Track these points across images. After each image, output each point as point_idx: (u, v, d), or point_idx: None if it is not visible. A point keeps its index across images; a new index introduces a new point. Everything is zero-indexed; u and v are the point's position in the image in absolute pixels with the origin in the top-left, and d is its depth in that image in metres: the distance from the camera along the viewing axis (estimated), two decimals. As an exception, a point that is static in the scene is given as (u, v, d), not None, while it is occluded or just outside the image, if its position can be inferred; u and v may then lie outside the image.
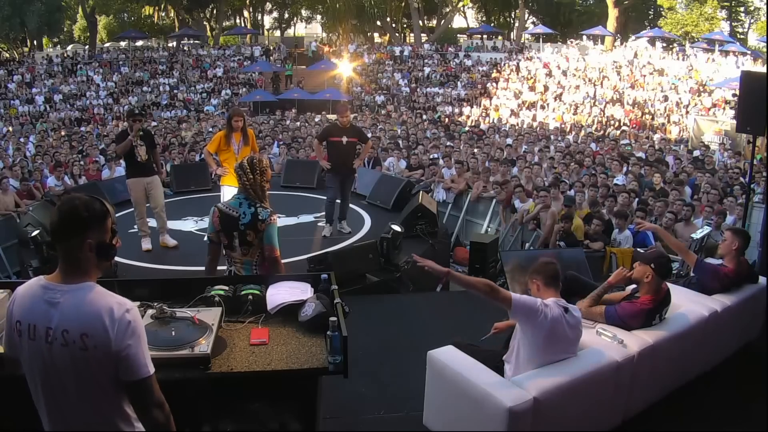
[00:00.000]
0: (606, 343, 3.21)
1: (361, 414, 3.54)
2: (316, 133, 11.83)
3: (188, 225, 7.49)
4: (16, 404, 2.01)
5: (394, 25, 35.99)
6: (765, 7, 25.69)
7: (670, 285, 3.65)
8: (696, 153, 12.63)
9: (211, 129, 15.56)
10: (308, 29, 42.48)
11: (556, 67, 23.57)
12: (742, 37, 32.63)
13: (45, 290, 1.71)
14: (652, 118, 18.34)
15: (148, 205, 6.32)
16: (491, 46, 28.65)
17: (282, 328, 2.73)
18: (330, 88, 23.82)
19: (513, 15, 37.64)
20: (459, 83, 24.67)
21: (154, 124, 17.41)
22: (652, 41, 25.20)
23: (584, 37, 28.14)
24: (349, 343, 2.43)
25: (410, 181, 8.83)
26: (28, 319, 1.71)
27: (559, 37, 31.03)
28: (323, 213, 7.23)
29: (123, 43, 31.08)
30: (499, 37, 31.49)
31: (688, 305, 3.74)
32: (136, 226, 6.47)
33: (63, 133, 17.07)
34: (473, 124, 19.26)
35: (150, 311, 2.55)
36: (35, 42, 31.11)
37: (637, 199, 7.73)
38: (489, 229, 8.73)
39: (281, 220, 4.09)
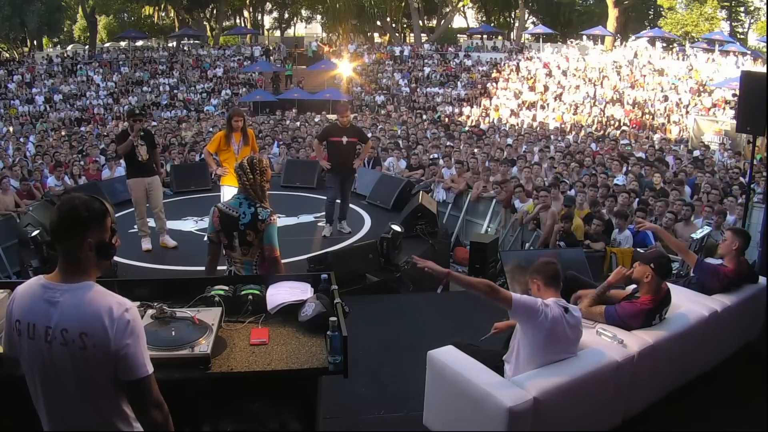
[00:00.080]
0: (606, 343, 3.21)
1: (361, 414, 3.54)
2: (316, 133, 11.83)
3: (188, 225, 7.49)
4: (16, 404, 2.01)
5: (394, 25, 35.99)
6: (765, 7, 25.70)
7: (670, 285, 3.65)
8: (696, 153, 12.63)
9: (211, 129, 15.56)
10: (308, 29, 42.49)
11: (556, 67, 23.57)
12: (742, 37, 32.63)
13: (45, 289, 1.72)
14: (652, 118, 18.34)
15: (148, 205, 6.32)
16: (491, 46, 28.65)
17: (282, 328, 2.73)
18: (330, 88, 23.83)
19: (513, 15, 37.64)
20: (459, 83, 24.67)
21: (154, 124, 17.41)
22: (652, 41, 25.20)
23: (584, 37, 28.13)
24: (349, 343, 2.43)
25: (410, 181, 8.83)
26: (27, 319, 1.71)
27: (559, 37, 31.03)
28: (323, 213, 7.23)
29: (123, 43, 31.08)
30: (499, 37, 31.48)
31: (688, 305, 3.74)
32: (136, 226, 6.46)
33: (63, 133, 17.07)
34: (473, 124, 19.26)
35: (150, 311, 2.55)
36: (35, 42, 31.10)
37: (637, 199, 7.73)
38: (489, 229, 8.73)
39: (281, 220, 4.08)
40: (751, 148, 6.43)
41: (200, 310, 2.66)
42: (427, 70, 26.27)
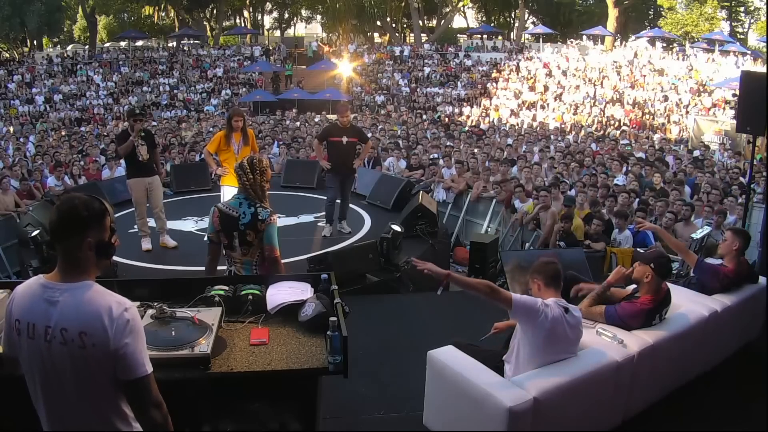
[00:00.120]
0: (606, 343, 3.21)
1: (361, 414, 3.54)
2: (316, 133, 11.83)
3: (188, 225, 7.49)
4: (16, 404, 2.01)
5: (394, 25, 35.98)
6: (765, 7, 25.70)
7: (670, 285, 3.65)
8: (696, 153, 12.63)
9: (211, 129, 15.56)
10: (308, 29, 42.49)
11: (556, 67, 23.57)
12: (742, 37, 32.63)
13: (44, 289, 1.72)
14: (652, 118, 18.34)
15: (148, 205, 6.32)
16: (491, 46, 28.64)
17: (282, 328, 2.72)
18: (330, 88, 23.82)
19: (513, 15, 37.64)
20: (459, 83, 24.67)
21: (154, 124, 17.41)
22: (652, 41, 25.19)
23: (584, 37, 28.12)
24: (349, 343, 2.43)
25: (410, 181, 8.83)
26: (27, 318, 1.71)
27: (559, 37, 31.02)
28: (323, 213, 7.23)
29: (123, 43, 31.07)
30: (499, 37, 31.48)
31: (688, 305, 3.74)
32: (136, 226, 6.46)
33: (63, 133, 17.06)
34: (473, 124, 19.26)
35: (150, 311, 2.55)
36: (35, 42, 31.10)
37: (637, 199, 7.73)
38: (489, 229, 8.73)
39: (281, 220, 4.08)
40: (751, 148, 6.42)
41: (200, 310, 2.66)
42: (427, 70, 26.26)
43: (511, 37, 33.41)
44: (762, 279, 4.25)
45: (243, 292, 2.88)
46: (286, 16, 40.26)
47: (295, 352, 2.52)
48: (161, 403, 1.74)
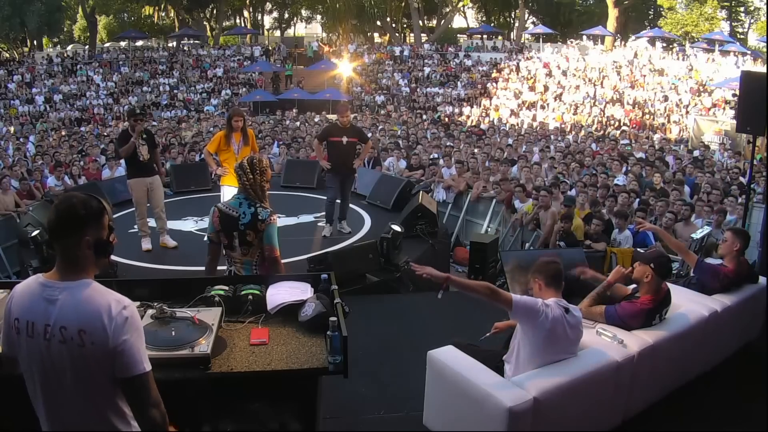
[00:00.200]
0: (606, 343, 3.21)
1: (361, 414, 3.54)
2: (316, 133, 11.82)
3: (188, 225, 7.48)
4: (15, 404, 2.01)
5: (394, 25, 35.99)
6: (765, 7, 25.69)
7: (670, 285, 3.65)
8: (696, 153, 12.63)
9: (211, 129, 15.56)
10: (308, 29, 42.49)
11: (556, 67, 23.57)
12: (742, 37, 32.63)
13: (43, 288, 1.72)
14: (652, 118, 18.34)
15: (148, 205, 6.32)
16: (491, 46, 28.65)
17: (282, 328, 2.72)
18: (330, 88, 23.82)
19: (513, 15, 37.64)
20: (459, 83, 24.67)
21: (154, 124, 17.41)
22: (652, 41, 25.19)
23: (584, 37, 28.11)
24: (349, 343, 2.43)
25: (410, 181, 8.83)
26: (26, 317, 1.71)
27: (559, 37, 31.02)
28: (323, 213, 7.23)
29: (123, 43, 31.06)
30: (499, 37, 31.48)
31: (688, 305, 3.74)
32: (136, 226, 6.46)
33: (63, 133, 17.05)
34: (473, 124, 19.26)
35: (150, 311, 2.55)
36: (35, 42, 31.09)
37: (637, 199, 7.73)
38: (489, 229, 8.73)
39: (281, 220, 4.08)
40: (751, 148, 6.42)
41: (200, 310, 2.65)
42: (427, 70, 26.27)
43: (511, 37, 33.41)
44: (762, 279, 4.25)
45: (243, 292, 2.88)
46: (286, 16, 40.26)
47: (295, 352, 2.52)
48: (160, 403, 1.74)
